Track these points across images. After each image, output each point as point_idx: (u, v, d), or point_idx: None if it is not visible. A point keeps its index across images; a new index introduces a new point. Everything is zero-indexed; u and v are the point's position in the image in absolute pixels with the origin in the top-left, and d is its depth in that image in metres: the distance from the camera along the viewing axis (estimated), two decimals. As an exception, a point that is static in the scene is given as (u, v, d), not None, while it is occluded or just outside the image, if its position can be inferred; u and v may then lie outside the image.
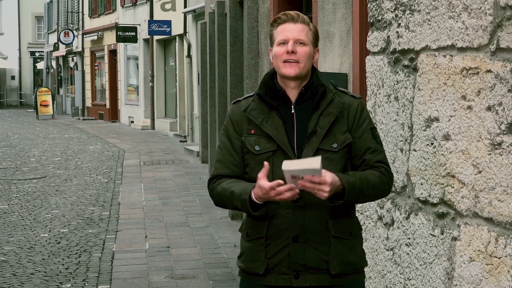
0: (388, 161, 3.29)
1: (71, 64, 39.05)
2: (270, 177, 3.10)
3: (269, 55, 3.33)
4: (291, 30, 3.17)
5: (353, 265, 3.23)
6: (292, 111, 3.21)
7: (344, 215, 3.20)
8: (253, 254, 3.23)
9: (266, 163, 3.03)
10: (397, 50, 4.11)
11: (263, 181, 2.99)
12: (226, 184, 3.20)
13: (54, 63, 43.68)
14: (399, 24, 4.07)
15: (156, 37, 26.22)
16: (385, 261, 4.29)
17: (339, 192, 3.05)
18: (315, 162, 2.94)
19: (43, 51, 47.97)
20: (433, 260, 3.76)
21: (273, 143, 3.17)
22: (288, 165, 2.97)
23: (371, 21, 4.43)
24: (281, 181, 2.97)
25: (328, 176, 2.97)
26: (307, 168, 2.95)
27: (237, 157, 3.25)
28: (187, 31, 22.32)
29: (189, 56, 22.02)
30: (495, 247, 3.23)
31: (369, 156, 3.19)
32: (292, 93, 3.22)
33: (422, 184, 3.85)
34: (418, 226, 3.91)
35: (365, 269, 3.37)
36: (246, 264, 3.27)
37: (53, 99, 35.82)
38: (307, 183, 2.95)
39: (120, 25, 28.61)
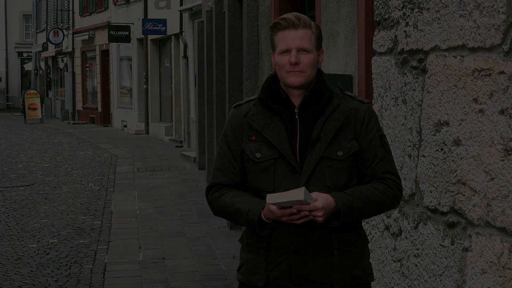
0: (397, 170, 3.29)
1: (61, 65, 39.08)
2: (272, 186, 3.15)
3: (271, 58, 3.32)
4: (293, 38, 3.14)
5: (358, 279, 3.24)
6: (296, 116, 3.21)
7: (349, 227, 3.20)
8: (253, 266, 3.25)
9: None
10: (405, 50, 4.11)
11: (274, 207, 3.05)
12: (230, 198, 3.23)
13: (43, 64, 43.71)
14: (407, 23, 4.08)
15: (150, 37, 26.24)
16: (393, 273, 4.29)
17: (337, 212, 3.09)
18: (298, 193, 2.97)
19: (31, 52, 47.97)
20: (443, 272, 3.76)
21: (275, 150, 3.17)
22: (272, 199, 3.02)
23: (378, 19, 4.43)
24: (294, 210, 3.02)
25: (320, 201, 3.03)
26: (292, 200, 2.99)
27: (236, 165, 3.26)
28: (183, 30, 22.34)
29: (185, 56, 22.04)
30: (508, 258, 3.23)
31: (376, 166, 3.20)
32: (296, 98, 3.22)
33: (431, 192, 3.85)
34: (427, 236, 3.91)
35: (371, 282, 3.37)
36: (246, 276, 3.28)
37: (41, 102, 35.84)
38: (297, 211, 3.02)
39: (113, 24, 28.63)
